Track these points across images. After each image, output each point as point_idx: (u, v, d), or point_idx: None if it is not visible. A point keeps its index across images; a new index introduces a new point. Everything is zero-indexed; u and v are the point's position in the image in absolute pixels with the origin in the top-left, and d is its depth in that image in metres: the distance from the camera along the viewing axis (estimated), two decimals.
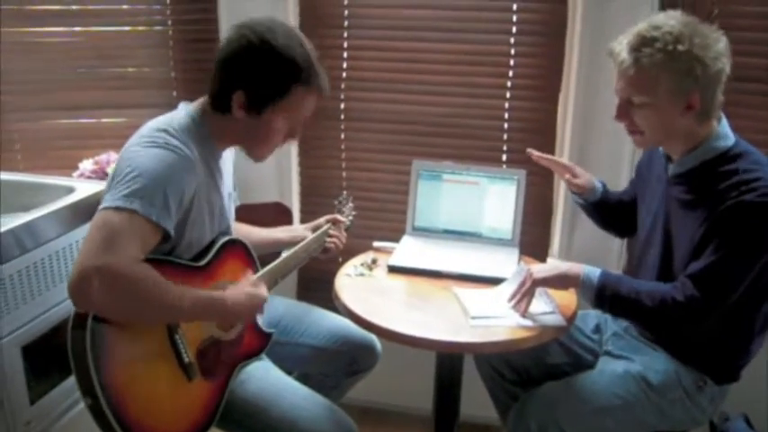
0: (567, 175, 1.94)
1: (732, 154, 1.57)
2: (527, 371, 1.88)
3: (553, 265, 1.78)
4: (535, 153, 1.95)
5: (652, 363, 1.71)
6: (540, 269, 1.70)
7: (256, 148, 1.60)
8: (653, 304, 1.57)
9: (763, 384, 1.92)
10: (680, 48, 1.48)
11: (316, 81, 1.54)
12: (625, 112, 1.60)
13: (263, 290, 1.56)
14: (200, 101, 1.58)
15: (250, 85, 1.49)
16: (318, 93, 1.56)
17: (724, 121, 1.62)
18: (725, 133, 1.60)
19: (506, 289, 1.78)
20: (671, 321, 1.60)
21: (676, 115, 1.55)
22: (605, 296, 1.62)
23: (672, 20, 1.52)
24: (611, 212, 1.97)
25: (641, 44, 1.51)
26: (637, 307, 1.59)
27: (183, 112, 1.55)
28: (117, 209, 1.31)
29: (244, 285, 1.54)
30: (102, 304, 1.27)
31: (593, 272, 1.63)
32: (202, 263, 1.54)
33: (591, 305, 1.66)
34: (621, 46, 1.55)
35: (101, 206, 1.34)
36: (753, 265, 1.54)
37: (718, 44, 1.52)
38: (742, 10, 2.03)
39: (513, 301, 1.71)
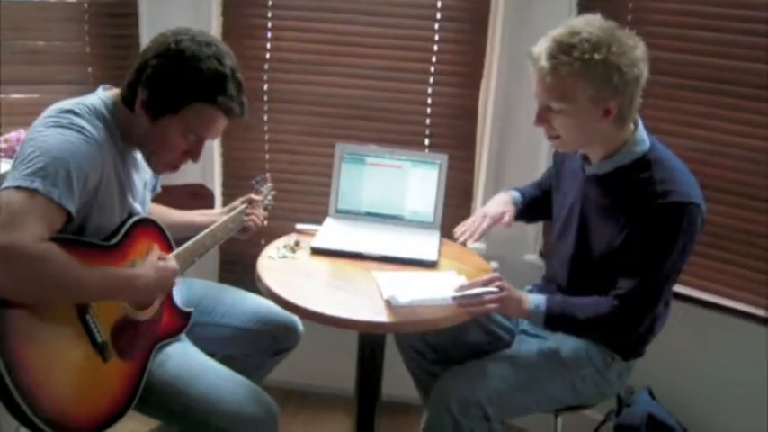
0: (499, 225, 1.97)
1: (647, 160, 1.63)
2: (446, 350, 1.92)
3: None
4: (463, 237, 1.95)
5: (564, 341, 1.78)
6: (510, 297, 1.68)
7: (151, 155, 1.56)
8: (598, 327, 1.69)
9: (665, 359, 2.03)
10: (596, 56, 1.51)
11: (222, 102, 1.49)
12: (544, 117, 1.64)
13: (171, 262, 1.55)
14: (117, 90, 1.56)
15: (153, 86, 1.47)
16: (224, 114, 1.52)
17: (640, 125, 1.67)
18: (641, 138, 1.65)
19: (430, 276, 1.83)
20: (616, 334, 1.73)
21: (594, 121, 1.59)
22: (554, 326, 1.72)
23: (589, 26, 1.54)
24: (539, 209, 2.03)
25: (559, 51, 1.54)
26: (582, 329, 1.72)
27: (97, 95, 1.53)
28: (18, 188, 1.28)
29: (152, 260, 1.52)
30: (5, 284, 1.24)
31: (540, 305, 1.68)
32: (112, 242, 1.51)
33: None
34: (540, 51, 1.57)
35: (2, 186, 1.31)
36: (679, 268, 1.64)
37: (635, 51, 1.55)
38: (656, 6, 2.10)
39: (467, 292, 1.67)
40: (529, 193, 2.05)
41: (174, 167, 1.59)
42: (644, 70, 1.58)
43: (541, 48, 1.57)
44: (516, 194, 2.03)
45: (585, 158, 1.74)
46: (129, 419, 1.52)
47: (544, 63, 1.55)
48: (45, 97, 1.83)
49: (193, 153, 1.57)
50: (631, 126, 1.65)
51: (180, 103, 1.47)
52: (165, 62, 1.46)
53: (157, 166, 1.59)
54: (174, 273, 1.55)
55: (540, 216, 2.09)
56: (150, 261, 1.52)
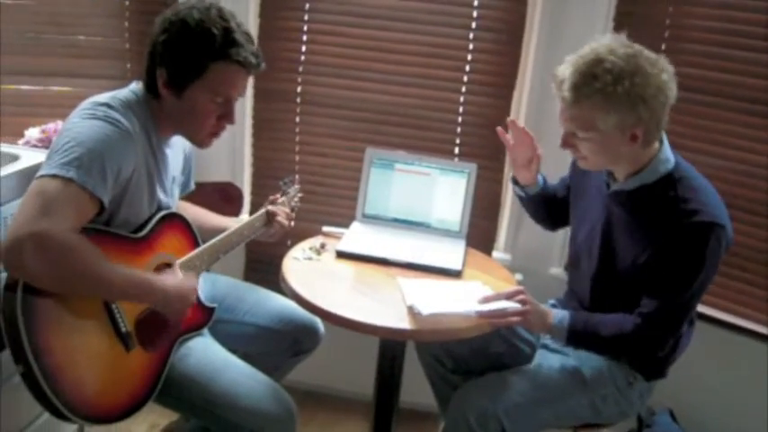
0: (532, 164, 1.94)
1: (672, 178, 1.61)
2: (467, 361, 1.91)
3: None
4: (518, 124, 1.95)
5: (586, 358, 1.76)
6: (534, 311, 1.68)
7: (190, 131, 1.59)
8: (620, 345, 1.68)
9: (688, 381, 2.00)
10: (619, 89, 1.49)
11: (236, 54, 1.49)
12: (570, 142, 1.64)
13: (192, 280, 1.57)
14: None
15: (168, 62, 1.49)
16: (243, 67, 1.52)
17: (666, 143, 1.65)
18: (666, 157, 1.63)
19: (455, 285, 1.82)
20: (638, 353, 1.73)
21: (621, 145, 1.59)
22: (576, 342, 1.72)
23: (613, 54, 1.51)
24: (544, 206, 2.01)
25: (581, 82, 1.52)
26: (604, 347, 1.71)
27: (129, 89, 1.56)
28: (53, 176, 1.31)
29: (175, 274, 1.54)
30: (34, 270, 1.26)
31: (563, 321, 1.69)
32: (140, 235, 1.54)
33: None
34: (564, 77, 1.56)
35: (37, 174, 1.34)
36: (703, 288, 1.62)
37: (661, 76, 1.52)
38: (693, 23, 2.09)
39: (490, 305, 1.67)
40: (548, 187, 2.01)
41: (215, 134, 1.61)
42: (671, 93, 1.55)
43: (564, 74, 1.56)
44: (540, 177, 2.00)
45: (610, 175, 1.73)
46: (149, 412, 1.54)
47: (566, 94, 1.55)
48: (84, 90, 1.86)
49: (227, 116, 1.58)
50: (657, 144, 1.63)
51: (198, 69, 1.48)
52: (172, 35, 1.48)
53: (203, 139, 1.61)
54: (193, 290, 1.56)
55: (546, 213, 2.04)
56: (174, 275, 1.54)
